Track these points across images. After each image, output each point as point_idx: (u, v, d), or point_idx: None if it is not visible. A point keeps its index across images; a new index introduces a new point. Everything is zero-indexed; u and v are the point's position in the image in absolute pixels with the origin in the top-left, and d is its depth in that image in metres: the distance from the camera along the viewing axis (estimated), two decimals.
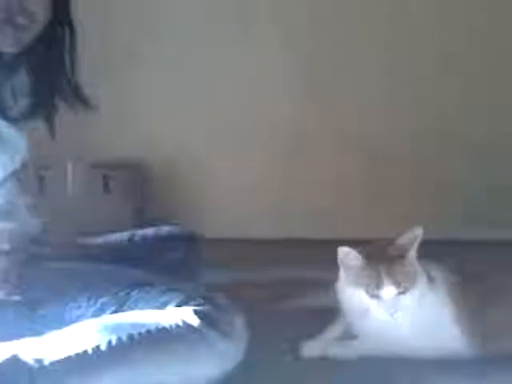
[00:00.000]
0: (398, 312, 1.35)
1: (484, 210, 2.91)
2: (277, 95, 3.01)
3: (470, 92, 2.97)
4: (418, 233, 1.40)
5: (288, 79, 3.02)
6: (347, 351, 1.43)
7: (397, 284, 1.34)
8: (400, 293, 1.35)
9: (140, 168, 3.04)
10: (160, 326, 1.19)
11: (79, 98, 1.49)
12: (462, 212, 2.93)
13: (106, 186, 2.78)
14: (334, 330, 1.51)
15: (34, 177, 2.77)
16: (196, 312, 1.21)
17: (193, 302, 1.24)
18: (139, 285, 1.33)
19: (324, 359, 1.43)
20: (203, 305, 1.23)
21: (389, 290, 1.34)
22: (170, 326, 1.19)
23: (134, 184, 2.97)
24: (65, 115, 3.01)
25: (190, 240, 1.84)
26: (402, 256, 1.37)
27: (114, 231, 1.96)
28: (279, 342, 1.53)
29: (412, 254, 1.38)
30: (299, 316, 1.73)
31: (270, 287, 2.08)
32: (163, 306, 1.26)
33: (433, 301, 1.41)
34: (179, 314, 1.21)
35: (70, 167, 2.78)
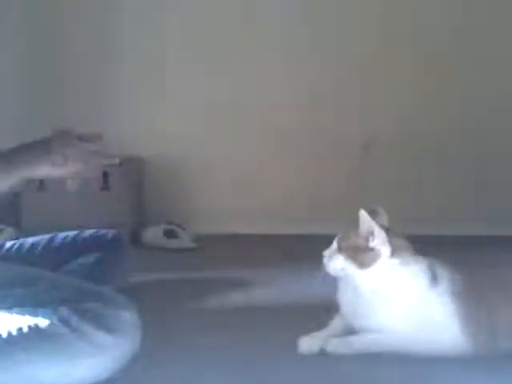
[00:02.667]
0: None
1: (484, 207, 2.92)
2: (275, 93, 3.01)
3: (470, 92, 2.98)
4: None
5: (287, 77, 3.03)
6: (346, 347, 1.43)
7: None
8: None
9: (139, 165, 3.04)
10: (33, 325, 1.17)
11: None
12: (462, 208, 2.94)
13: (105, 182, 2.78)
14: (333, 327, 1.51)
15: None
16: (75, 308, 1.19)
17: (76, 298, 1.23)
18: (24, 283, 1.30)
19: (323, 355, 1.43)
20: (87, 300, 1.22)
21: None
22: (45, 324, 1.17)
23: (133, 181, 2.97)
24: (65, 112, 3.03)
25: (112, 242, 1.87)
26: None
27: (111, 228, 1.97)
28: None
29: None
30: None
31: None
32: (49, 301, 1.23)
33: (436, 299, 1.41)
34: (56, 311, 1.19)
35: None
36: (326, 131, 3.00)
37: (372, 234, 1.40)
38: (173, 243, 2.72)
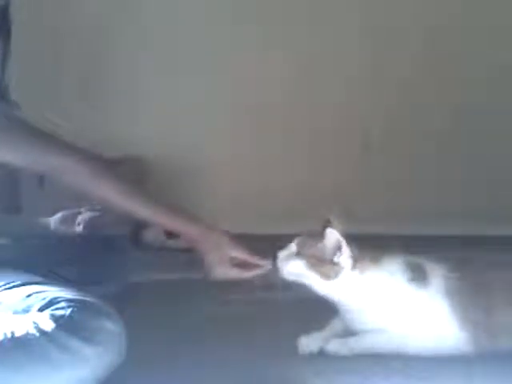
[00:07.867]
0: None
1: (484, 207, 2.92)
2: (275, 94, 3.02)
3: (470, 91, 2.98)
4: None
5: (287, 77, 3.03)
6: (346, 347, 1.43)
7: None
8: None
9: (139, 165, 3.04)
10: (8, 333, 1.12)
11: (6, 102, 1.45)
12: (462, 208, 2.94)
13: None
14: (333, 327, 1.51)
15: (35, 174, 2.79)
16: (53, 316, 1.14)
17: (55, 306, 1.17)
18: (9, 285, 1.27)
19: (322, 355, 1.43)
20: (66, 308, 1.16)
21: None
22: (21, 333, 1.12)
23: (133, 181, 2.96)
24: (65, 112, 3.03)
25: (112, 242, 1.86)
26: None
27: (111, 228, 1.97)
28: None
29: None
30: None
31: None
32: (27, 309, 1.20)
33: (427, 298, 1.41)
34: (33, 319, 1.14)
35: None
36: (326, 131, 3.01)
37: (339, 249, 1.41)
38: (173, 243, 2.72)
